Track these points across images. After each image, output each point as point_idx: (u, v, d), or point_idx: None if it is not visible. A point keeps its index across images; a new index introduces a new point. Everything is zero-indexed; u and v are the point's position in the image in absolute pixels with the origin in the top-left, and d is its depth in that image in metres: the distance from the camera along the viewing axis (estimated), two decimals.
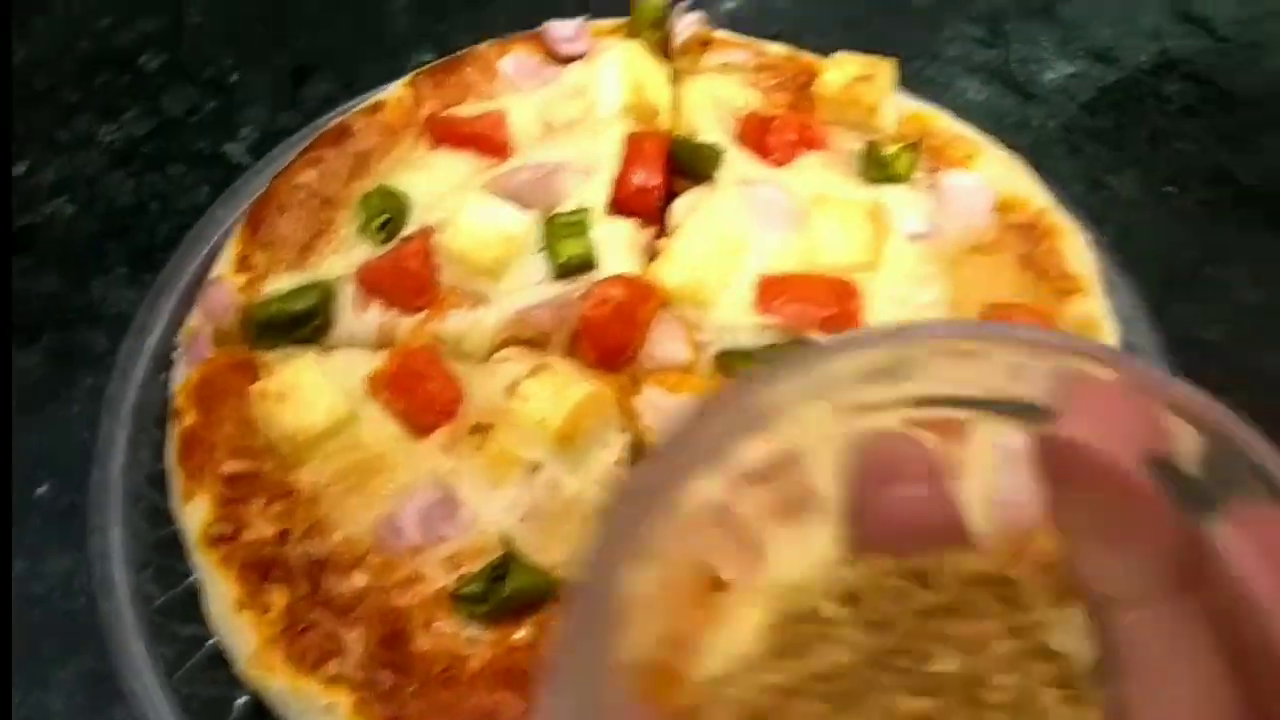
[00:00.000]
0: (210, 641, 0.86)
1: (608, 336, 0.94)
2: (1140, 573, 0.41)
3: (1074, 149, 1.26)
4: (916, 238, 1.02)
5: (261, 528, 0.86)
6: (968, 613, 0.42)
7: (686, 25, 1.16)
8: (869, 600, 0.43)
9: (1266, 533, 0.39)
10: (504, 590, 0.81)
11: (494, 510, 0.86)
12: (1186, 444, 0.40)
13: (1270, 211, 1.20)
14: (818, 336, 0.95)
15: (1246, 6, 1.40)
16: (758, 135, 1.07)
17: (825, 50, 1.17)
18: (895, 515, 0.45)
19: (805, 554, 0.46)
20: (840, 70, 1.11)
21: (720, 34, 1.19)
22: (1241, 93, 1.31)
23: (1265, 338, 1.12)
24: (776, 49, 1.18)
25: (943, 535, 0.44)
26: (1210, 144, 1.26)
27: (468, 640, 0.81)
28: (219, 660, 0.85)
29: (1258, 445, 0.39)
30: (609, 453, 0.90)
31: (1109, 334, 1.00)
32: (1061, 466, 0.42)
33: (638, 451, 0.91)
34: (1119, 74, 1.33)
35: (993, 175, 1.07)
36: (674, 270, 0.97)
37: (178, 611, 0.87)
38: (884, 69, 1.10)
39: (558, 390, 0.89)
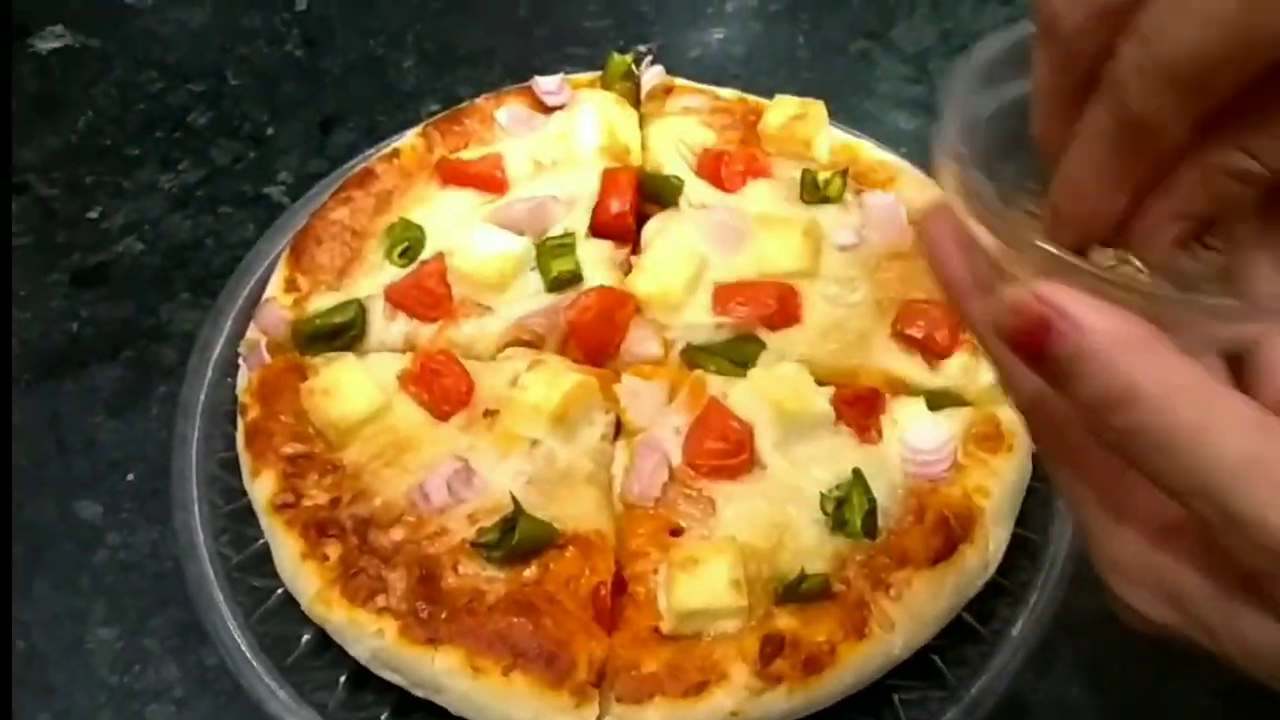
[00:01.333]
0: (278, 591, 1.04)
1: (592, 336, 1.14)
2: None
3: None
4: (846, 248, 1.21)
5: (317, 496, 1.04)
6: None
7: (652, 76, 1.35)
8: None
9: None
10: (514, 539, 0.98)
11: (503, 477, 1.05)
12: None
13: None
14: (764, 331, 1.14)
15: None
16: (713, 168, 1.27)
17: (775, 90, 1.36)
18: None
19: None
20: (780, 110, 1.30)
21: (680, 82, 1.38)
22: None
23: None
24: (728, 93, 1.37)
25: None
26: None
27: (486, 579, 0.99)
28: (286, 606, 1.03)
29: None
30: (595, 430, 1.09)
31: None
32: None
33: (619, 428, 1.10)
34: None
35: (909, 194, 1.25)
36: (646, 281, 1.17)
37: (250, 568, 1.06)
38: (816, 109, 1.30)
39: (552, 381, 1.08)
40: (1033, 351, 0.51)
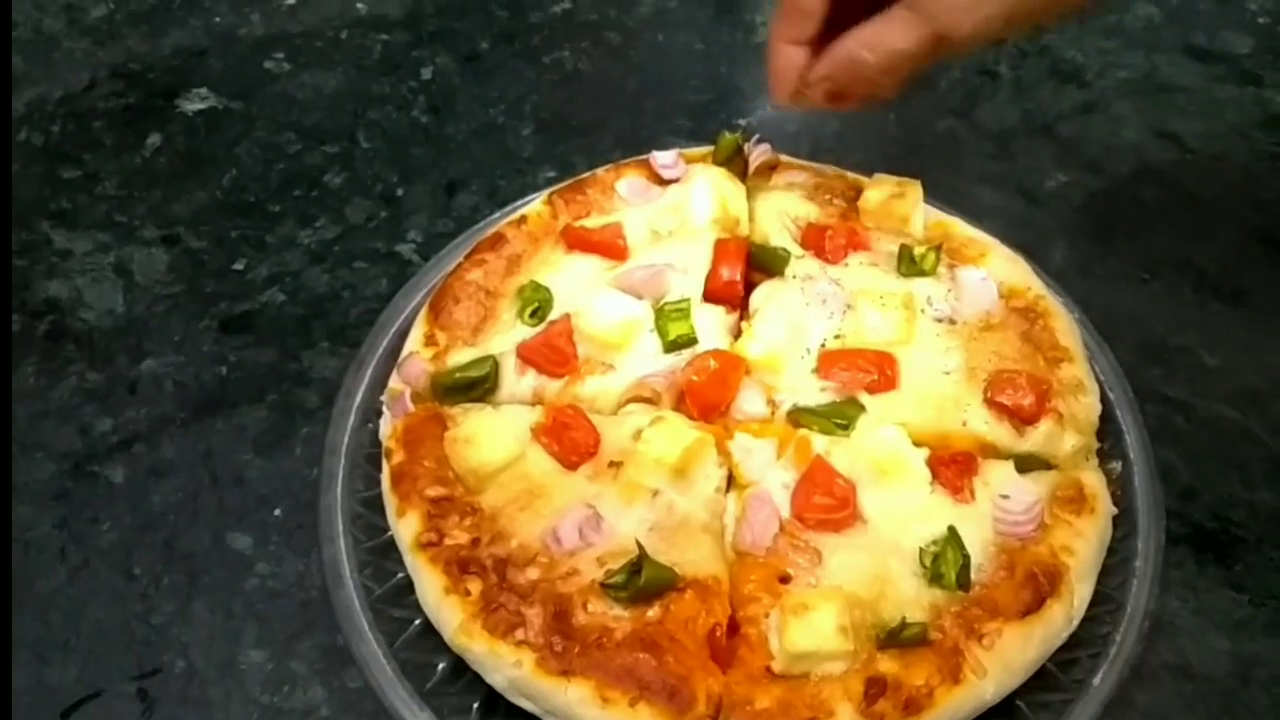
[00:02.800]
0: (416, 622, 1.14)
1: (706, 395, 1.23)
2: None
3: (1068, 243, 1.52)
4: (940, 319, 1.30)
5: (458, 536, 1.13)
6: None
7: (759, 154, 1.45)
8: None
9: None
10: (639, 581, 1.07)
11: (628, 524, 1.14)
12: None
13: (1223, 292, 1.47)
14: (865, 395, 1.23)
15: (1211, 124, 1.68)
16: (816, 240, 1.36)
17: (866, 164, 1.45)
18: None
19: None
20: (879, 189, 1.40)
21: (785, 158, 1.47)
22: (1206, 194, 1.58)
23: (1221, 395, 1.39)
24: (830, 170, 1.46)
25: None
26: (1177, 238, 1.53)
27: (613, 617, 1.07)
28: (423, 636, 1.13)
29: None
30: (710, 482, 1.18)
31: (1092, 393, 1.26)
32: None
33: (730, 481, 1.19)
34: (1105, 181, 1.61)
35: (999, 269, 1.34)
36: (754, 345, 1.26)
37: (390, 600, 1.16)
38: (913, 188, 1.39)
39: (671, 436, 1.17)
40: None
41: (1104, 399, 1.29)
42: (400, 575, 1.17)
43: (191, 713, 1.15)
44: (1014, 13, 1.07)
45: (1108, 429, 1.27)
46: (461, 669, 1.10)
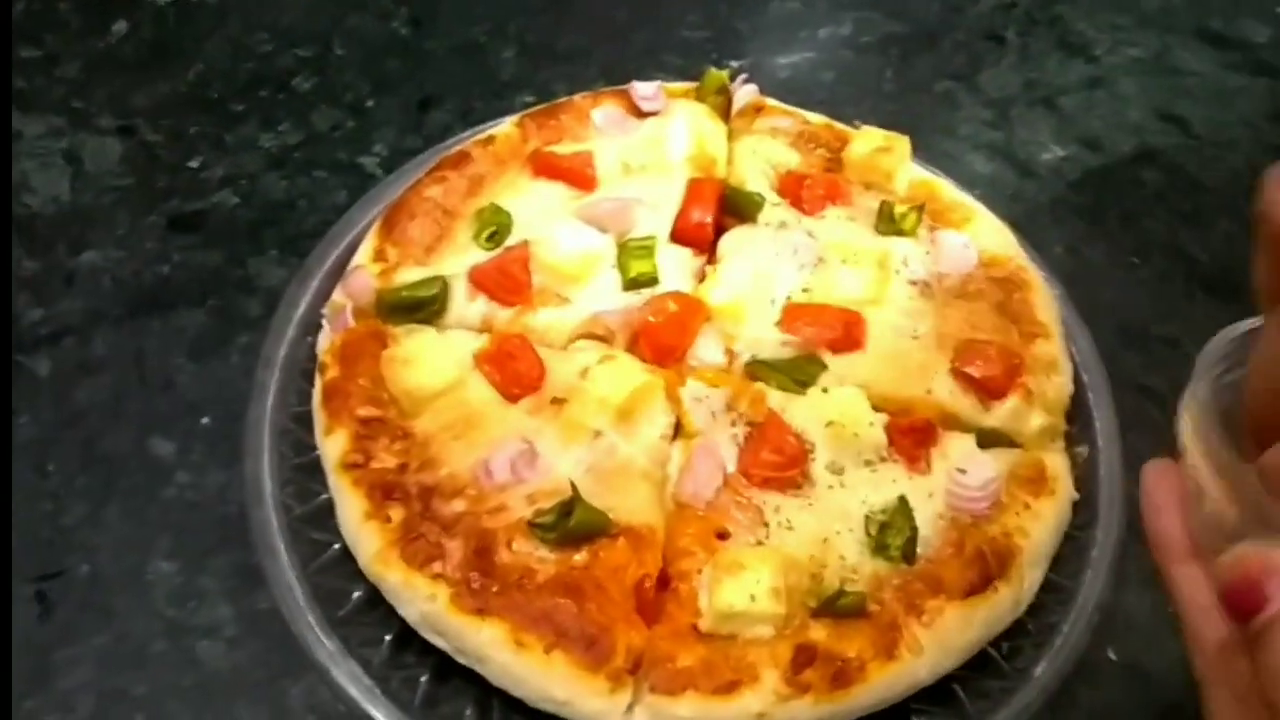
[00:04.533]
0: (334, 547, 1.09)
1: (662, 339, 1.18)
2: None
3: (1058, 219, 1.47)
4: (915, 282, 1.24)
5: (386, 459, 1.08)
6: None
7: (745, 94, 1.39)
8: None
9: None
10: (569, 523, 1.02)
11: (565, 463, 1.08)
12: None
13: (1214, 283, 1.42)
14: (827, 354, 1.18)
15: (1221, 112, 1.62)
16: (794, 188, 1.31)
17: (858, 119, 1.40)
18: None
19: None
20: (866, 141, 1.34)
21: (771, 102, 1.41)
22: (1207, 183, 1.53)
23: None
24: (816, 119, 1.40)
25: None
26: (1173, 224, 1.48)
27: (538, 559, 1.02)
28: (341, 562, 1.07)
29: None
30: (656, 428, 1.13)
31: (1065, 373, 1.21)
32: None
33: (678, 429, 1.14)
34: (1104, 160, 1.55)
35: (982, 236, 1.29)
36: (718, 291, 1.21)
37: (311, 521, 1.11)
38: (901, 143, 1.34)
39: (620, 377, 1.12)
40: (1240, 607, 0.58)
41: (1078, 381, 1.23)
42: (323, 497, 1.11)
43: (91, 620, 1.10)
44: None
45: (1078, 412, 1.22)
46: (377, 600, 1.05)
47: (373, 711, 1.00)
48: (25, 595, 1.11)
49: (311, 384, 1.17)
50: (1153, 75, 1.68)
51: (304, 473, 1.14)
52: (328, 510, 1.10)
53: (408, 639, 1.04)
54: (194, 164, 1.46)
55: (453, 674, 1.02)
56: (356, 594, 1.07)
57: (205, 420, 1.24)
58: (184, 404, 1.25)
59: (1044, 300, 1.26)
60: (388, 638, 1.05)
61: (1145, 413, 1.30)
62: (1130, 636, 1.14)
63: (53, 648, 1.08)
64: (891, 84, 1.63)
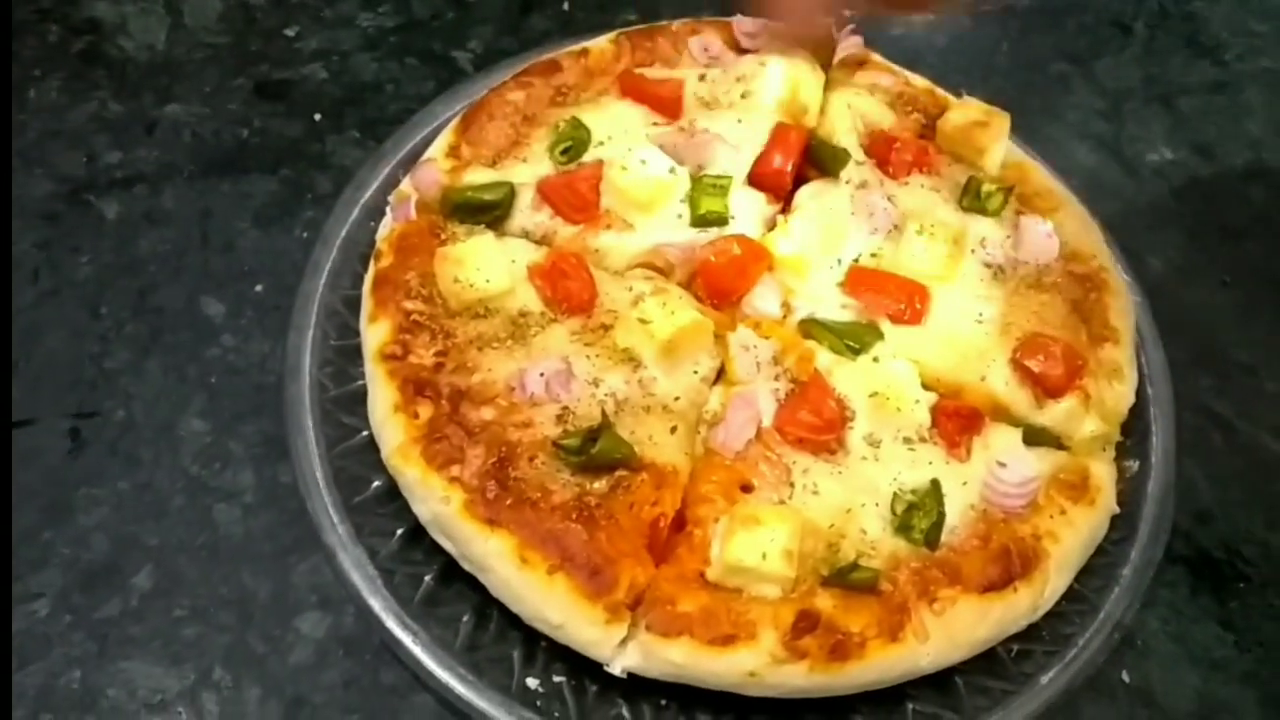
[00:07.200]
0: (362, 433, 1.09)
1: (721, 280, 1.15)
2: None
3: (1154, 224, 1.42)
4: (989, 264, 1.20)
5: (423, 355, 1.07)
6: None
7: (849, 44, 1.34)
8: None
9: None
10: (593, 448, 1.01)
11: (600, 389, 1.07)
12: None
13: None
14: (886, 323, 1.14)
15: None
16: (882, 150, 1.26)
17: (965, 89, 1.35)
18: None
19: None
20: (963, 112, 1.29)
21: (875, 58, 1.36)
22: None
23: (1269, 424, 1.28)
24: (919, 81, 1.35)
25: None
26: (1273, 249, 1.41)
27: (557, 479, 1.01)
28: (365, 450, 1.08)
29: None
30: (699, 369, 1.11)
31: (1129, 382, 1.17)
32: None
33: (720, 373, 1.12)
34: (1213, 170, 1.49)
35: (1068, 228, 1.24)
36: (786, 242, 1.18)
37: (344, 404, 1.11)
38: (1000, 119, 1.28)
39: (671, 311, 1.09)
40: None
41: (1141, 393, 1.19)
42: (359, 383, 1.12)
43: (118, 465, 1.12)
44: None
45: (1136, 425, 1.18)
46: (394, 493, 1.05)
47: (372, 601, 1.01)
48: (60, 430, 1.13)
49: (366, 269, 1.16)
50: None
51: (344, 356, 1.14)
52: (360, 397, 1.10)
53: (418, 536, 1.04)
54: (289, 32, 1.46)
55: (456, 578, 1.02)
56: (375, 484, 1.08)
57: (259, 288, 1.24)
58: (241, 269, 1.25)
59: (1121, 305, 1.21)
60: (399, 531, 1.06)
61: (1207, 436, 1.26)
62: (1147, 662, 1.11)
63: (78, 484, 1.10)
64: (1005, 58, 1.57)
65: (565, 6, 1.53)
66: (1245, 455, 1.26)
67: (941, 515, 1.03)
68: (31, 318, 1.19)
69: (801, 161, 1.24)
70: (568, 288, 1.12)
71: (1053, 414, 1.13)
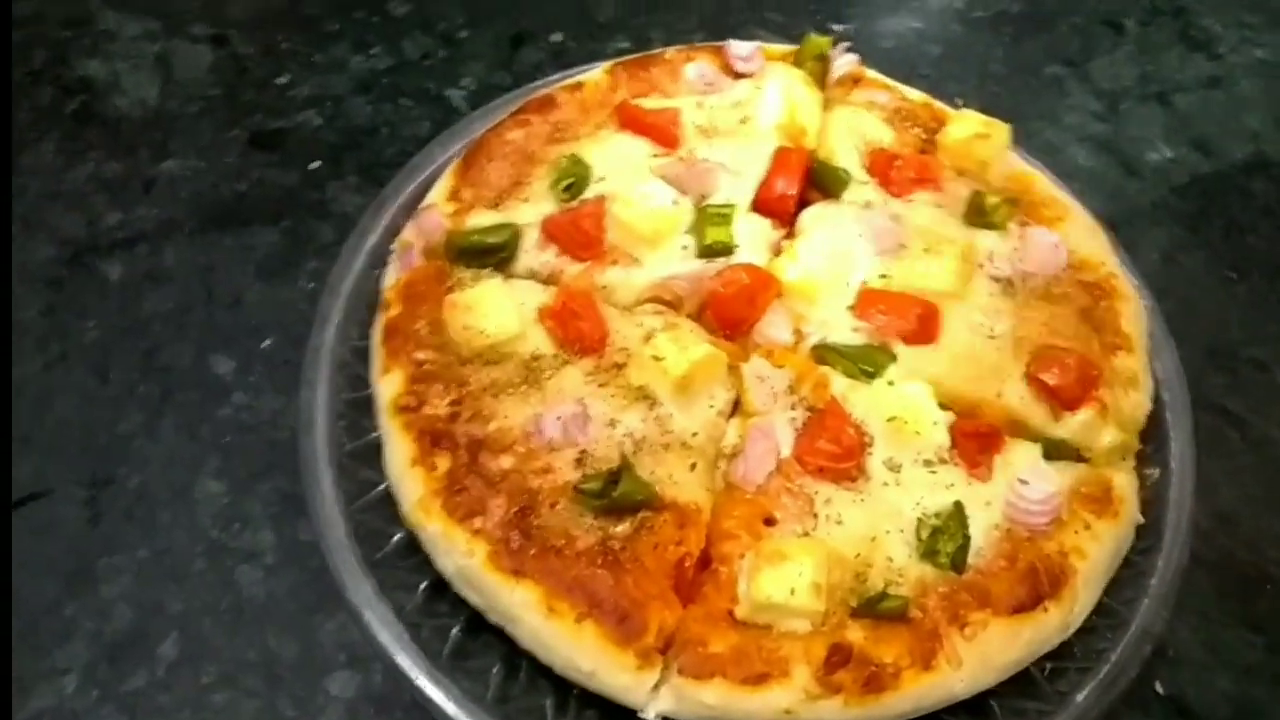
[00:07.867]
0: (380, 487, 1.08)
1: (731, 310, 1.14)
2: None
3: (1157, 223, 1.41)
4: (998, 278, 1.19)
5: (438, 406, 1.07)
6: None
7: (844, 63, 1.34)
8: None
9: None
10: (615, 491, 1.00)
11: (618, 430, 1.06)
12: None
13: None
14: (899, 344, 1.14)
15: None
16: (884, 168, 1.26)
17: (961, 97, 1.34)
18: None
19: None
20: (964, 125, 1.29)
21: (871, 74, 1.36)
22: None
23: None
24: (916, 96, 1.35)
25: None
26: (1277, 242, 1.41)
27: (580, 525, 1.00)
28: (384, 503, 1.07)
29: None
30: (714, 403, 1.10)
31: (1145, 390, 1.16)
32: None
33: (737, 407, 1.11)
34: (1214, 165, 1.48)
35: (1075, 237, 1.23)
36: (793, 268, 1.17)
37: (360, 458, 1.10)
38: (1001, 131, 1.28)
39: (684, 346, 1.09)
40: None
41: (1157, 400, 1.18)
42: (374, 435, 1.10)
43: (136, 531, 1.11)
44: None
45: (1154, 432, 1.17)
46: (416, 545, 1.04)
47: (400, 659, 1.00)
48: (76, 499, 1.13)
49: (373, 318, 1.16)
50: (1278, 79, 1.60)
51: (357, 409, 1.13)
52: (377, 449, 1.09)
53: (443, 587, 1.03)
54: (282, 80, 1.45)
55: (484, 629, 1.02)
56: (396, 537, 1.07)
57: (267, 343, 1.24)
58: (248, 324, 1.25)
59: (1133, 311, 1.20)
60: (423, 585, 1.05)
61: (1223, 436, 1.26)
62: (1180, 671, 1.11)
63: (98, 554, 1.10)
64: (1000, 64, 1.57)
65: (556, 37, 1.52)
66: (1264, 453, 1.26)
67: (967, 538, 1.02)
68: (40, 385, 1.19)
69: (803, 184, 1.23)
70: (579, 328, 1.12)
71: (1070, 426, 1.12)
